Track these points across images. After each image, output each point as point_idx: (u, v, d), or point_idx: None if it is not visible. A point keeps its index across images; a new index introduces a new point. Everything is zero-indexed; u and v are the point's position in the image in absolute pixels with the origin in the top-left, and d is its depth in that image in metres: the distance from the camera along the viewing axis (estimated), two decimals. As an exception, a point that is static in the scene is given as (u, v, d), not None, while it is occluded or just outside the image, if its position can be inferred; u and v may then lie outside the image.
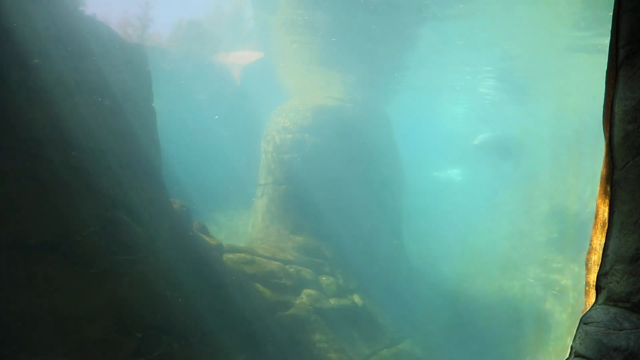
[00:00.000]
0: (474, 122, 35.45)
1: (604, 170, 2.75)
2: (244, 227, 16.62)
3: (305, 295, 11.98)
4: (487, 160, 29.00)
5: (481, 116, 33.24)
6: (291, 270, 12.25)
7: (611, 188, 2.58)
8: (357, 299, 13.37)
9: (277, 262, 12.17)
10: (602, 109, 2.77)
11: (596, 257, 2.79)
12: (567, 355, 2.57)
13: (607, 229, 2.59)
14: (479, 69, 19.95)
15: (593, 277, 2.76)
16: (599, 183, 2.87)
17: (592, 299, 2.71)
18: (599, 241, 2.82)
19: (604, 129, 2.73)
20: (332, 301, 12.57)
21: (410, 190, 28.22)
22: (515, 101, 26.54)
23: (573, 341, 2.55)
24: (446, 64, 19.53)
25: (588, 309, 2.63)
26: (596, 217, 2.93)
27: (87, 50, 7.48)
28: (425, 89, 25.48)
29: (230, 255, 11.27)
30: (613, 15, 2.61)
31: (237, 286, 10.48)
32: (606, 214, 2.65)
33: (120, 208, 7.50)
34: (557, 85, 21.39)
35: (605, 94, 2.74)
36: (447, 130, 39.98)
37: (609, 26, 2.69)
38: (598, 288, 2.62)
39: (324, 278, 13.08)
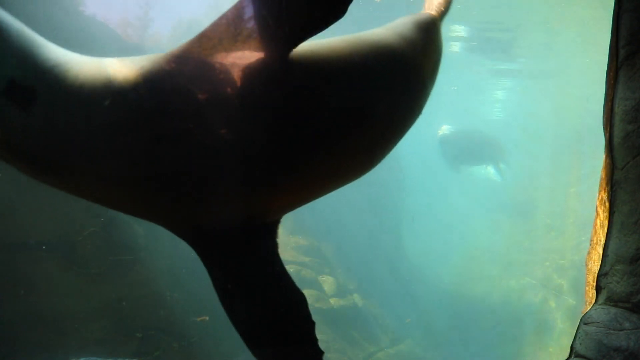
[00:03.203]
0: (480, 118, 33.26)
1: (604, 170, 2.75)
2: (244, 227, 16.61)
3: (305, 295, 11.97)
4: (450, 158, 24.32)
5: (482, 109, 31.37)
6: (291, 270, 12.23)
7: (611, 188, 2.58)
8: (357, 299, 13.37)
9: (277, 262, 12.17)
10: (602, 109, 2.77)
11: (596, 257, 2.79)
12: (567, 356, 2.57)
13: (607, 229, 2.59)
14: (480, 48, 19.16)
15: (593, 277, 2.76)
16: (599, 183, 2.88)
17: (592, 299, 2.70)
18: (599, 241, 2.82)
19: (604, 129, 2.73)
20: (332, 301, 12.57)
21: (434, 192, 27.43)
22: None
23: (573, 341, 2.55)
24: (450, 57, 19.21)
25: (588, 309, 2.63)
26: (596, 217, 2.93)
27: (87, 50, 7.47)
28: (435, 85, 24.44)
29: (230, 255, 11.26)
30: (613, 15, 2.61)
31: (237, 286, 10.47)
32: (606, 214, 2.65)
33: (120, 208, 7.49)
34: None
35: (605, 94, 2.74)
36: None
37: None
38: (598, 288, 2.62)
39: (324, 278, 13.08)
